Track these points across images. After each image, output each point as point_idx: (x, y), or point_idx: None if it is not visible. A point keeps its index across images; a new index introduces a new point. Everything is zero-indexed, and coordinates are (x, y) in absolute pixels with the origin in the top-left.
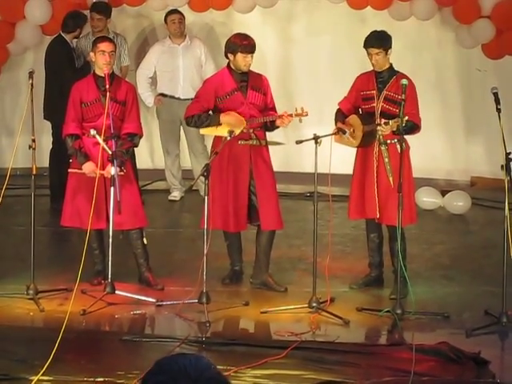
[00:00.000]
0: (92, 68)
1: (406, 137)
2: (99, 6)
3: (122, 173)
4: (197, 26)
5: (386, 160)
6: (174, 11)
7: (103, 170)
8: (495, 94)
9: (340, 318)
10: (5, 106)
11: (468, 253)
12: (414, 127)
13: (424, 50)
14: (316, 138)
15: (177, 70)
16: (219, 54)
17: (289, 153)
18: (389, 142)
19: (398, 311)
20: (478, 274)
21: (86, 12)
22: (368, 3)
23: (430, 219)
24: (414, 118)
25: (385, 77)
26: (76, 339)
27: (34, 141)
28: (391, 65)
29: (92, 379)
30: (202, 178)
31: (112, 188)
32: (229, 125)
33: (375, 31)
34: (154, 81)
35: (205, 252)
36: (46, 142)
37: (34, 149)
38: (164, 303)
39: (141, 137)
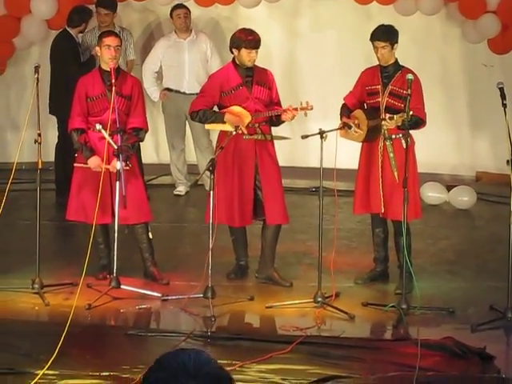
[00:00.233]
0: (97, 62)
1: (410, 132)
2: (106, 0)
3: (127, 167)
4: (202, 20)
5: (391, 155)
6: (180, 6)
7: (109, 164)
8: (501, 89)
9: (345, 312)
10: (10, 100)
11: (473, 248)
12: (419, 122)
13: (430, 45)
14: (321, 133)
15: (182, 65)
16: (224, 48)
17: (294, 147)
18: (394, 136)
19: (404, 306)
20: (484, 269)
21: (92, 6)
22: None
23: (435, 214)
24: (420, 112)
25: (390, 71)
26: (81, 333)
27: (39, 135)
28: (396, 59)
29: (97, 373)
30: (208, 173)
31: (117, 182)
32: (233, 124)
33: (382, 25)
34: (159, 75)
35: (210, 247)
36: (52, 137)
37: (40, 143)
38: (169, 298)
39: (146, 131)
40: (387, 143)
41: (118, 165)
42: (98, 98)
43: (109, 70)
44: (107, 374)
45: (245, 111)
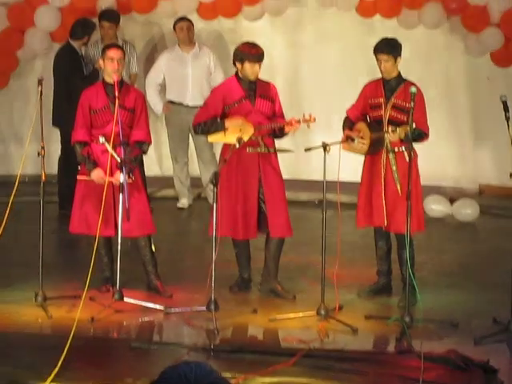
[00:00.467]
0: (100, 75)
1: (413, 145)
2: (109, 13)
3: (130, 180)
4: (205, 33)
5: (394, 168)
6: (183, 19)
7: (112, 177)
8: (504, 102)
9: (348, 325)
10: (14, 112)
11: (476, 261)
12: (421, 135)
13: (432, 58)
14: (325, 146)
15: (186, 78)
16: (228, 61)
17: (297, 160)
18: (396, 150)
19: (407, 319)
20: (487, 282)
21: (95, 19)
22: (377, 11)
23: (439, 227)
24: (422, 126)
25: (393, 84)
26: (84, 346)
27: (43, 148)
28: (399, 73)
29: None
30: (211, 186)
31: (121, 195)
32: (234, 129)
33: (386, 38)
34: (162, 88)
35: (213, 259)
36: (55, 149)
37: (43, 156)
38: (172, 310)
39: (149, 144)
40: (390, 156)
41: (121, 177)
42: (102, 110)
43: (112, 82)
44: None
45: (247, 123)
